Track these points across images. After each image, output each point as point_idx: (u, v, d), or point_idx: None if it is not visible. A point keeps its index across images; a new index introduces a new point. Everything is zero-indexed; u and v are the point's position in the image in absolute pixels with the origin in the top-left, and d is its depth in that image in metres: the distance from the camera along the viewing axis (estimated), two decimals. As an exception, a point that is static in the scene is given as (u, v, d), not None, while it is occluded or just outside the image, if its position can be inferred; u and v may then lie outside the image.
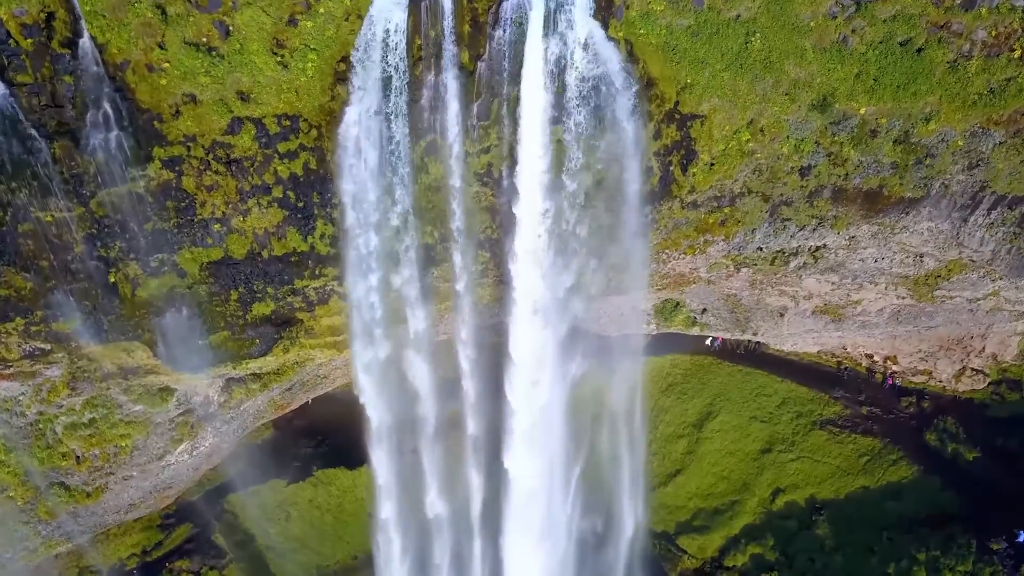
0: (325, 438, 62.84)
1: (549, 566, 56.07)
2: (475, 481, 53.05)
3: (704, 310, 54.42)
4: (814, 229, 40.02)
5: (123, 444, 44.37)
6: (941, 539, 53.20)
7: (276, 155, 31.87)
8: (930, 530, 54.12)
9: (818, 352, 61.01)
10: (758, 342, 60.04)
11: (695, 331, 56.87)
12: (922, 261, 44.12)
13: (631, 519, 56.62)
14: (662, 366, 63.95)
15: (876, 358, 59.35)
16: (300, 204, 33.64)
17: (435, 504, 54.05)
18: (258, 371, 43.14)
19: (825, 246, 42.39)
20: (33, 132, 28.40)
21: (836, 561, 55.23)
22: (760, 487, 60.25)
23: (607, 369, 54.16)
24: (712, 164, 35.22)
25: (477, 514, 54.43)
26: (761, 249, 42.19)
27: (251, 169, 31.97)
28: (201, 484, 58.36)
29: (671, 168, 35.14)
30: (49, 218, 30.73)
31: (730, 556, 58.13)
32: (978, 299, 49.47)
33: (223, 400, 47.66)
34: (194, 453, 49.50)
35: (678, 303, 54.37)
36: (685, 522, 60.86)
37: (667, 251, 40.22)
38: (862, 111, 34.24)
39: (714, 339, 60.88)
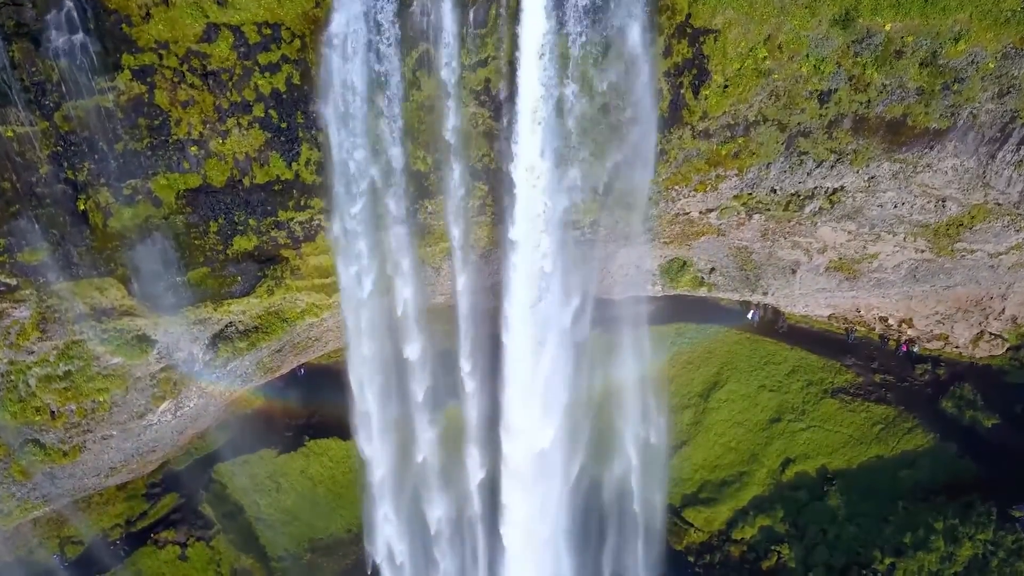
0: (317, 408, 60.78)
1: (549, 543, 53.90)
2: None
3: (712, 269, 52.22)
4: (832, 166, 37.70)
5: (101, 399, 42.08)
6: (959, 507, 51.10)
7: (256, 68, 29.50)
8: (947, 499, 52.05)
9: (830, 317, 58.78)
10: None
11: (702, 292, 54.66)
12: (944, 207, 41.83)
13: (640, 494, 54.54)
14: (667, 334, 61.72)
15: (891, 321, 57.10)
16: (283, 125, 31.27)
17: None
18: (242, 317, 40.86)
19: (843, 188, 40.10)
20: (-11, 32, 26.12)
21: (849, 531, 53.17)
22: (769, 458, 58.25)
23: (612, 335, 52.10)
24: (726, 86, 32.88)
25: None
26: (775, 191, 39.92)
27: (229, 83, 29.62)
28: (188, 453, 56.43)
29: (682, 91, 32.81)
30: (10, 133, 28.36)
31: (738, 528, 56.17)
32: (1000, 253, 47.20)
33: (208, 358, 45.44)
34: (178, 414, 47.25)
35: (685, 262, 52.21)
36: (691, 494, 58.89)
37: (677, 187, 37.88)
38: (887, 27, 31.88)
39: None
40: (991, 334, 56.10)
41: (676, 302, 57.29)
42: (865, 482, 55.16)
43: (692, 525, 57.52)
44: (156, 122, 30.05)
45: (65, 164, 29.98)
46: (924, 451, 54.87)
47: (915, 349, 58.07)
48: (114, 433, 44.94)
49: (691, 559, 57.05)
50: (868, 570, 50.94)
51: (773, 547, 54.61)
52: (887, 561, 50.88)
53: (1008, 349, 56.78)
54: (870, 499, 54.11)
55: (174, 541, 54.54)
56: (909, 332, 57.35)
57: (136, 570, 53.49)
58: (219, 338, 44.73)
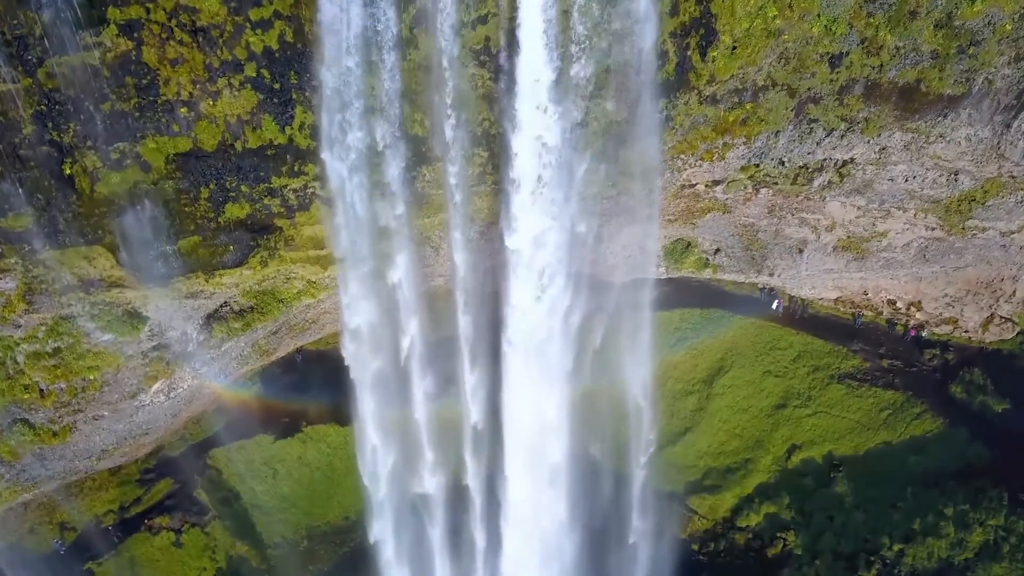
0: (315, 393, 59.77)
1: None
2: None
3: (717, 250, 51.22)
4: (842, 135, 36.60)
5: (91, 377, 41.04)
6: (970, 493, 50.00)
7: (248, 24, 28.41)
8: (957, 484, 50.94)
9: (836, 300, 57.61)
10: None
11: (707, 273, 53.68)
12: (956, 180, 40.76)
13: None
14: (671, 320, 60.65)
15: (899, 304, 55.97)
16: (276, 86, 30.17)
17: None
18: (236, 294, 39.81)
19: (852, 160, 39.03)
20: (-32, -19, 25.05)
21: (856, 518, 52.06)
22: (774, 444, 57.15)
23: (616, 318, 51.06)
24: (735, 47, 31.75)
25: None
26: (783, 163, 38.83)
27: (220, 41, 28.54)
28: (183, 438, 55.39)
29: (688, 52, 31.69)
30: (-9, 90, 27.35)
31: (743, 516, 55.12)
32: (1012, 232, 46.21)
33: (202, 338, 44.48)
34: (171, 395, 46.25)
35: (689, 243, 51.26)
36: (695, 482, 57.80)
37: (683, 156, 36.76)
38: (901, -15, 30.89)
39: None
40: (1001, 317, 55.00)
41: (692, 288, 56.43)
42: (873, 468, 54.05)
43: (696, 513, 56.49)
44: (144, 81, 28.97)
45: (50, 124, 28.92)
46: (933, 437, 53.78)
47: (924, 334, 57.00)
48: (105, 413, 43.94)
49: (695, 547, 56.06)
50: (876, 557, 49.89)
51: (779, 534, 53.58)
52: (896, 548, 49.82)
53: (1018, 333, 55.72)
54: (878, 485, 53.03)
55: (168, 527, 53.56)
56: (918, 316, 56.24)
57: (130, 556, 52.56)
58: (213, 318, 43.82)
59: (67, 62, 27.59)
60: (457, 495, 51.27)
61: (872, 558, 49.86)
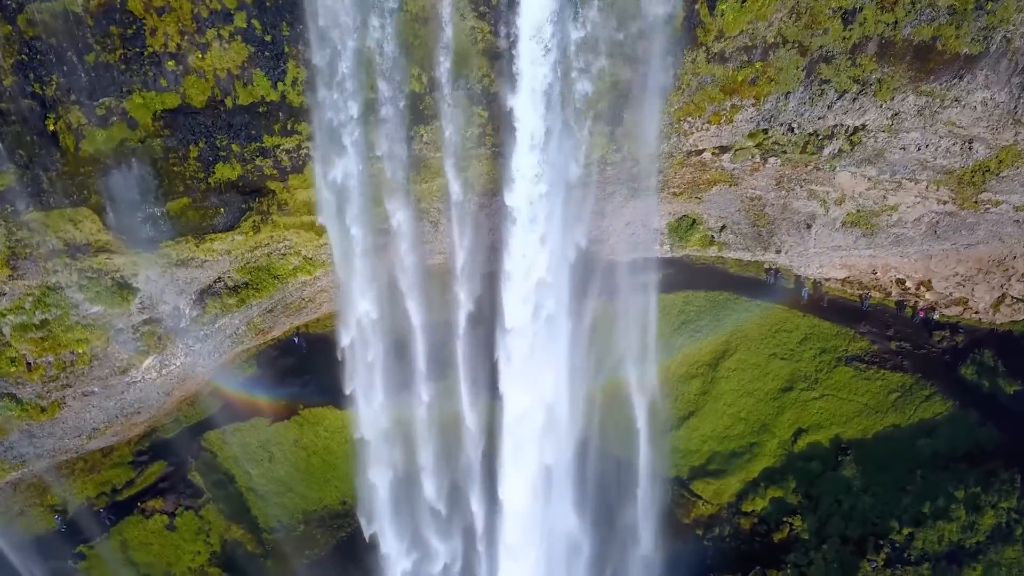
0: (312, 376, 58.71)
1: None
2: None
3: (723, 227, 50.14)
4: (854, 98, 35.43)
5: (80, 351, 40.00)
6: (981, 475, 48.94)
7: (238, -30, 27.37)
8: (968, 467, 49.87)
9: (844, 281, 56.43)
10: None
11: (712, 251, 52.59)
12: (971, 149, 39.56)
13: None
14: (674, 303, 59.48)
15: (908, 284, 54.80)
16: (267, 38, 29.01)
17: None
18: (229, 268, 38.69)
19: (864, 127, 37.85)
20: (-58, -82, 23.94)
21: (865, 502, 50.96)
22: (780, 428, 55.95)
23: (618, 300, 50.08)
24: (744, 0, 30.56)
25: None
26: (792, 129, 37.68)
27: (208, -12, 27.46)
28: (177, 420, 54.31)
29: (696, 6, 30.51)
30: (-31, 37, 26.22)
31: (748, 501, 53.96)
32: (1027, 207, 45.06)
33: (195, 314, 43.51)
34: (163, 372, 45.25)
35: (694, 220, 50.20)
36: (699, 466, 56.67)
37: (689, 119, 35.55)
38: (918, -65, 29.73)
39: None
40: (1013, 298, 53.84)
41: (694, 270, 55.31)
42: (881, 451, 52.97)
43: (701, 497, 55.38)
44: (129, 31, 27.81)
45: (31, 76, 27.76)
46: (943, 419, 52.67)
47: (933, 316, 55.80)
48: (95, 389, 42.91)
49: (700, 532, 55.03)
50: (885, 540, 48.84)
51: (785, 519, 52.53)
52: (905, 531, 48.76)
53: (1030, 314, 54.59)
54: (886, 469, 51.96)
55: (162, 510, 52.59)
56: (927, 296, 55.07)
57: (122, 540, 51.60)
58: (207, 293, 42.88)
59: (48, 8, 26.47)
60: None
61: (881, 542, 48.82)
